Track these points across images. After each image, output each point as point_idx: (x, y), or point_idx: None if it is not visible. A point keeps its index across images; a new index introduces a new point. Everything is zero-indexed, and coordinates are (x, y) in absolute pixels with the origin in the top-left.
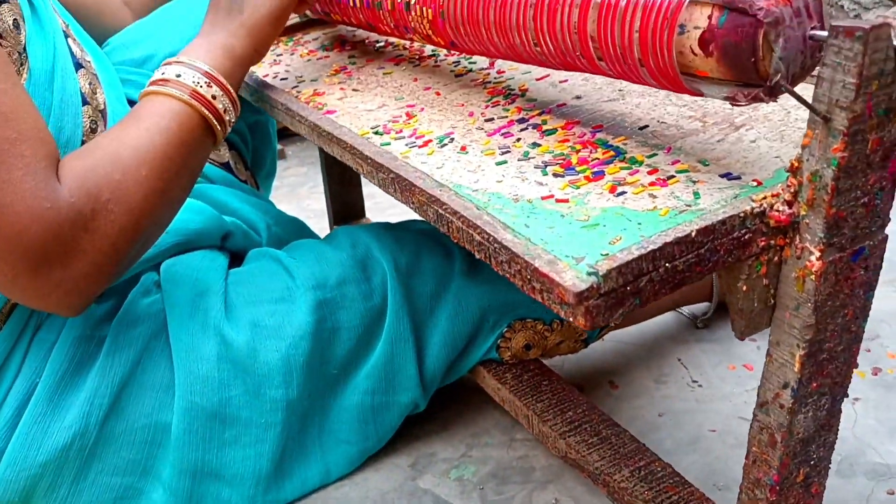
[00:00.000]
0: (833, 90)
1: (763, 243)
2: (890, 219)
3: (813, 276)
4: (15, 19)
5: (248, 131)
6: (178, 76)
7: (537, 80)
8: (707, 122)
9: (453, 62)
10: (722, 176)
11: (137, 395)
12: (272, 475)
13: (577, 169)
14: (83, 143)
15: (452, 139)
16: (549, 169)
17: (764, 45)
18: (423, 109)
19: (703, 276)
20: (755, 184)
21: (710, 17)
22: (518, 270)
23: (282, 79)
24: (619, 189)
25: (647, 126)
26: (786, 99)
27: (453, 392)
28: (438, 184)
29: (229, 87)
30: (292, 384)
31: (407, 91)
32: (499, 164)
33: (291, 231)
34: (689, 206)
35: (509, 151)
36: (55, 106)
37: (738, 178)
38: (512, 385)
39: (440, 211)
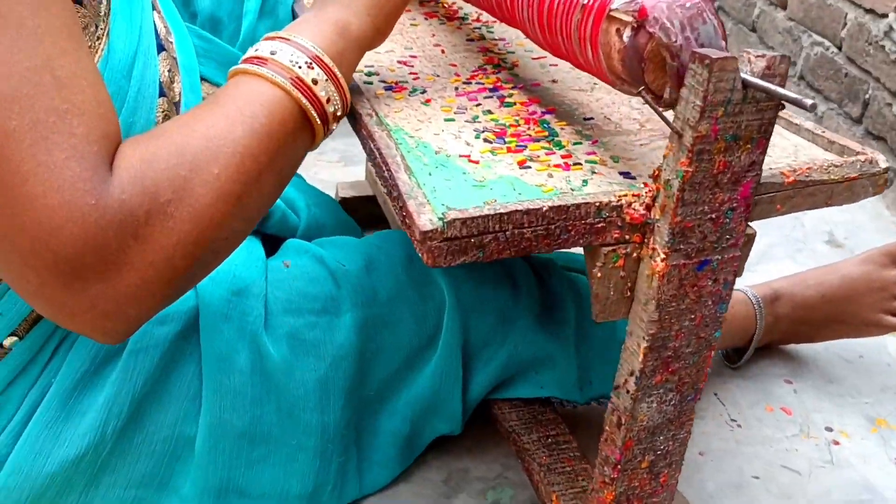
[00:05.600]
0: (686, 109)
1: (617, 235)
2: (742, 239)
3: (657, 276)
4: None
5: None
6: (274, 54)
7: (533, 59)
8: (644, 126)
9: (474, 27)
10: (621, 173)
11: (160, 403)
12: (303, 496)
13: (507, 140)
14: None
15: (424, 91)
16: (483, 134)
17: (651, 62)
18: (420, 61)
19: (551, 249)
20: (644, 186)
21: (618, 32)
22: (399, 207)
23: None
24: (527, 164)
25: (591, 118)
26: None
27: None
28: (381, 123)
29: (337, 71)
30: (328, 408)
31: (419, 44)
32: (447, 120)
33: (329, 213)
34: (572, 190)
35: (464, 112)
36: (130, 98)
37: (633, 178)
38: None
39: (371, 146)
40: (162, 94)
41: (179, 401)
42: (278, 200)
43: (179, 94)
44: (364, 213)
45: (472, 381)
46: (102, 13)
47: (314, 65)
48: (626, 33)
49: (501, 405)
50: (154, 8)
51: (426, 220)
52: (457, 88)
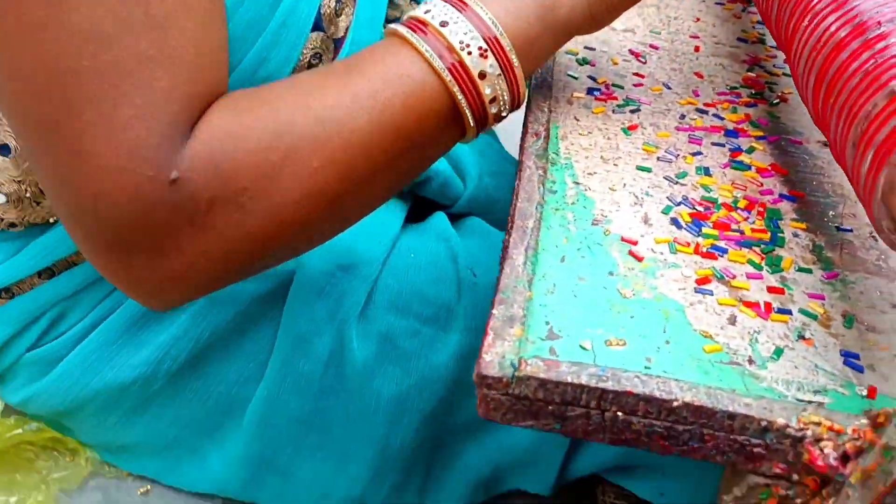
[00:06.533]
0: None
1: (780, 470)
2: None
3: None
4: None
5: None
6: (444, 25)
7: None
8: None
9: (758, 23)
10: (844, 353)
11: (226, 359)
12: (349, 499)
13: (703, 231)
14: None
15: (638, 109)
16: (677, 210)
17: None
18: (659, 56)
19: (667, 452)
20: (864, 394)
21: None
22: (492, 302)
23: None
24: (710, 287)
25: (850, 230)
26: None
27: None
28: (545, 152)
29: (516, 64)
30: (397, 429)
31: (673, 27)
32: (640, 168)
33: (505, 186)
34: (751, 362)
35: (671, 161)
36: (269, 31)
37: (861, 370)
38: None
39: (516, 181)
40: (317, 28)
41: (246, 362)
42: (445, 162)
43: (346, 29)
44: None
45: (582, 452)
46: None
47: (489, 52)
48: None
49: (608, 489)
50: None
51: (496, 355)
52: (682, 117)
